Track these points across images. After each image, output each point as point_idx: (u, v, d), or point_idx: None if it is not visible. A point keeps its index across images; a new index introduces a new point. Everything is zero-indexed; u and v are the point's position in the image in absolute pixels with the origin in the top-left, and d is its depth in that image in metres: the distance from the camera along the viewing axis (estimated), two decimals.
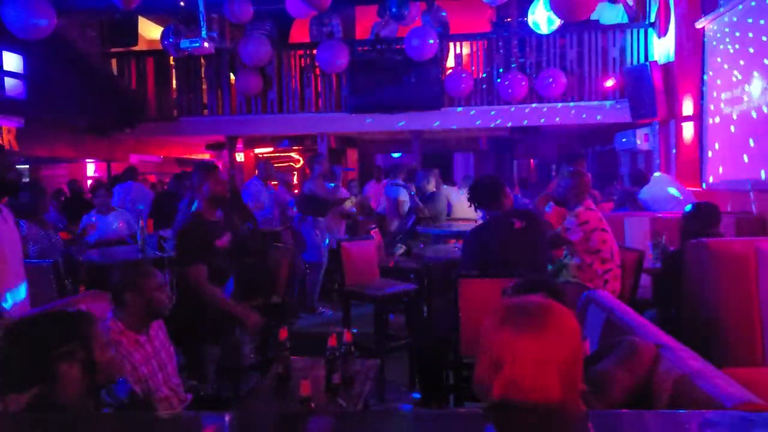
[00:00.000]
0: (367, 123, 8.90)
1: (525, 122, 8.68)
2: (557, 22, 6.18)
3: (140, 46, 10.01)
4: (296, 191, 8.00)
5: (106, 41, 9.46)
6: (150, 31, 11.09)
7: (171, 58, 8.57)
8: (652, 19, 8.16)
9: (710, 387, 1.60)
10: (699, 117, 6.88)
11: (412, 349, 4.35)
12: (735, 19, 5.92)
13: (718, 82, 6.31)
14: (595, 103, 8.46)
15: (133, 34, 9.69)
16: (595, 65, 8.48)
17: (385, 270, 5.26)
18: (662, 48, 7.96)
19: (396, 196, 6.95)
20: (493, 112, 8.71)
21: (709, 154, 6.52)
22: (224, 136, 9.63)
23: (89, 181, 10.33)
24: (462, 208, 6.48)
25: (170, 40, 6.15)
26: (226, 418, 1.40)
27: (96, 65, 8.68)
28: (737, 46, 5.87)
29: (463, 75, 8.43)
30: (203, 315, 3.32)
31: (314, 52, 8.34)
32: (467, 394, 3.32)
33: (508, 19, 9.51)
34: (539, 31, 6.69)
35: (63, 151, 8.43)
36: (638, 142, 8.20)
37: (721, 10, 6.14)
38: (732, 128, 5.96)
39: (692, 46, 7.03)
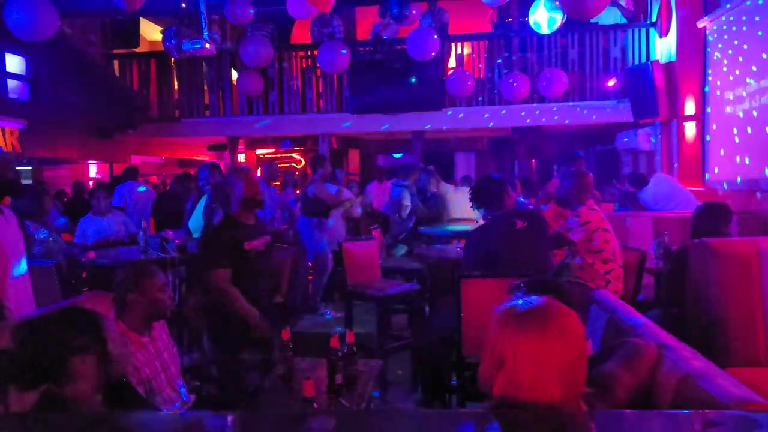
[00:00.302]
0: (368, 123, 8.91)
1: (527, 121, 8.68)
2: (558, 22, 6.17)
3: (142, 48, 10.05)
4: (298, 192, 8.00)
5: (108, 43, 9.49)
6: (152, 32, 11.11)
7: (172, 59, 8.58)
8: (654, 19, 8.15)
9: (713, 387, 1.59)
10: (701, 116, 6.87)
11: (414, 349, 4.35)
12: (736, 18, 5.91)
13: (719, 81, 6.30)
14: (597, 102, 8.45)
15: (135, 36, 9.72)
16: (597, 65, 8.48)
17: (387, 270, 5.26)
18: (664, 47, 7.95)
19: (398, 196, 6.94)
20: (493, 113, 8.71)
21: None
22: (226, 137, 9.65)
23: (91, 183, 10.34)
24: (460, 207, 6.45)
25: (172, 41, 6.15)
26: (229, 419, 1.40)
27: (98, 67, 8.70)
28: (739, 45, 5.86)
29: (464, 75, 8.42)
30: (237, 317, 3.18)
31: (315, 52, 8.34)
32: (469, 394, 3.32)
33: (509, 20, 9.52)
34: (540, 31, 6.68)
35: (65, 152, 8.43)
36: (640, 141, 8.20)
37: (724, 8, 6.14)
38: (734, 128, 5.95)
39: (694, 45, 7.02)
